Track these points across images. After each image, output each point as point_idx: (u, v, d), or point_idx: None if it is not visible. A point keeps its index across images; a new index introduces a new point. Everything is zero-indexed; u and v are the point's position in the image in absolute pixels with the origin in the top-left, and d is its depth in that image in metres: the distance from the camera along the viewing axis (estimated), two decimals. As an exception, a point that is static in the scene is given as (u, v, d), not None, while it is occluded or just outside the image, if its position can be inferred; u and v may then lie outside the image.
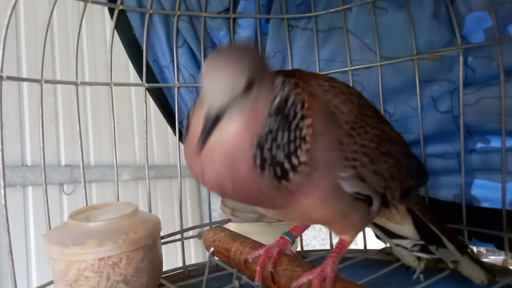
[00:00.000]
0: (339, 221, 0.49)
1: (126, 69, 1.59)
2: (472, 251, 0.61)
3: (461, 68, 0.70)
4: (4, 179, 0.56)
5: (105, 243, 0.54)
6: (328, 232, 0.78)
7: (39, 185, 1.34)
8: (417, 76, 0.75)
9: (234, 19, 0.85)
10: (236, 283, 0.58)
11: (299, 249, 0.85)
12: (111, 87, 0.74)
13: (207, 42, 0.85)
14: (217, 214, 1.10)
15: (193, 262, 0.77)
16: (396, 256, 0.68)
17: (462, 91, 0.70)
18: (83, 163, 0.71)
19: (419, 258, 0.64)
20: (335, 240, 0.59)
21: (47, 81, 0.64)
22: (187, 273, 0.74)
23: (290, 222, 0.79)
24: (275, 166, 0.39)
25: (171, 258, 0.89)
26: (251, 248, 0.53)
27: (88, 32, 1.73)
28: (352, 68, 0.81)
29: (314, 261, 0.77)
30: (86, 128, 1.71)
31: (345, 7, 0.80)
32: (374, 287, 0.62)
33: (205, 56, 0.83)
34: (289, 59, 0.86)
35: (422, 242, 0.63)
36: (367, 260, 0.75)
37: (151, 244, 0.59)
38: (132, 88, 1.84)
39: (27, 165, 1.49)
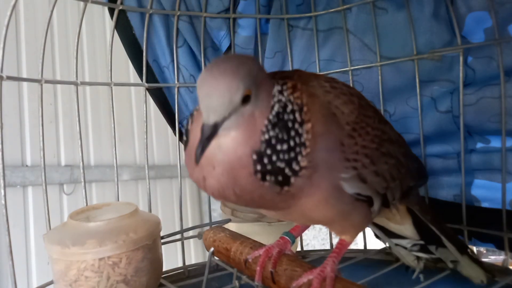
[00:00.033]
0: (339, 221, 0.49)
1: (126, 69, 1.60)
2: (472, 251, 0.61)
3: (461, 68, 0.70)
4: (4, 179, 0.56)
5: (105, 243, 0.54)
6: (328, 232, 0.78)
7: (39, 185, 1.34)
8: (417, 76, 0.75)
9: (234, 19, 0.85)
10: (236, 283, 0.58)
11: (299, 249, 0.85)
12: (111, 87, 0.74)
13: (207, 42, 0.85)
14: (217, 214, 1.11)
15: (193, 262, 0.77)
16: (396, 256, 0.68)
17: (462, 91, 0.70)
18: (83, 163, 0.71)
19: (418, 258, 0.64)
20: (335, 240, 0.59)
21: (47, 81, 0.64)
22: (187, 273, 0.74)
23: (290, 222, 0.79)
24: (276, 173, 0.39)
25: (171, 258, 0.90)
26: (251, 248, 0.53)
27: (88, 32, 1.73)
28: (352, 68, 0.81)
29: (314, 261, 0.77)
30: (86, 128, 1.71)
31: (345, 7, 0.80)
32: (374, 287, 0.62)
33: (205, 56, 0.83)
34: (289, 59, 0.86)
35: (422, 242, 0.63)
36: (367, 260, 0.75)
37: (151, 244, 0.59)
38: (132, 88, 1.84)
39: (27, 165, 1.49)
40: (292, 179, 0.40)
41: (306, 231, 0.62)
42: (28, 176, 1.46)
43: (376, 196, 0.48)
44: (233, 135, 0.39)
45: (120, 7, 0.75)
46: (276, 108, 0.40)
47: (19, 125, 1.48)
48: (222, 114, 0.37)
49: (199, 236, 0.73)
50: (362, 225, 0.55)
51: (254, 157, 0.39)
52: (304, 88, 0.43)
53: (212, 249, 0.58)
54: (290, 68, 0.86)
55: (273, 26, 0.86)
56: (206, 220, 1.18)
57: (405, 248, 0.65)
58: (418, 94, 0.75)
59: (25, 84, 1.47)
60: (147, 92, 0.80)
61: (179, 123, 0.83)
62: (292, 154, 0.39)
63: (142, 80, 0.79)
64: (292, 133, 0.40)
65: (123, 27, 0.79)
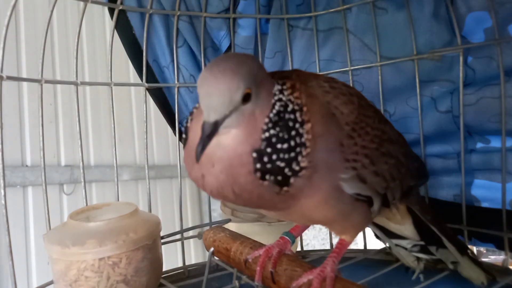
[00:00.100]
0: (339, 221, 0.49)
1: (126, 69, 1.60)
2: (472, 252, 0.61)
3: (461, 68, 0.70)
4: (4, 179, 0.56)
5: (105, 243, 0.54)
6: (328, 232, 0.78)
7: (39, 185, 1.34)
8: (417, 76, 0.75)
9: (234, 19, 0.85)
10: (236, 283, 0.58)
11: (299, 249, 0.85)
12: (111, 87, 0.74)
13: (207, 42, 0.85)
14: (217, 214, 1.11)
15: (193, 262, 0.77)
16: (396, 256, 0.68)
17: (462, 91, 0.70)
18: (83, 163, 0.70)
19: (418, 259, 0.64)
20: (335, 240, 0.59)
21: (47, 81, 0.64)
22: (187, 273, 0.74)
23: (290, 222, 0.79)
24: (276, 173, 0.39)
25: (171, 258, 0.90)
26: (251, 248, 0.53)
27: (88, 32, 1.73)
28: (352, 68, 0.81)
29: (314, 261, 0.77)
30: (86, 128, 1.71)
31: (345, 7, 0.80)
32: (374, 287, 0.62)
33: (205, 56, 0.83)
34: (289, 59, 0.86)
35: (422, 243, 0.63)
36: (367, 260, 0.75)
37: (151, 244, 0.59)
38: (132, 88, 1.84)
39: (27, 165, 1.49)
40: (292, 180, 0.40)
41: (306, 231, 0.62)
42: (28, 176, 1.46)
43: (376, 196, 0.48)
44: (233, 133, 0.39)
45: (120, 7, 0.75)
46: (277, 107, 0.40)
47: (19, 125, 1.47)
48: (222, 112, 0.37)
49: (199, 236, 0.73)
50: (362, 225, 0.55)
51: (254, 155, 0.39)
52: (303, 88, 0.43)
53: (212, 249, 0.58)
54: (290, 68, 0.86)
55: (273, 26, 0.86)
56: (206, 220, 1.18)
57: (405, 248, 0.65)
58: (418, 94, 0.75)
59: (25, 84, 1.47)
60: (147, 92, 0.80)
61: (179, 123, 0.83)
62: (292, 154, 0.39)
63: (142, 80, 0.79)
64: (293, 132, 0.40)
65: (123, 27, 0.79)
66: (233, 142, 0.39)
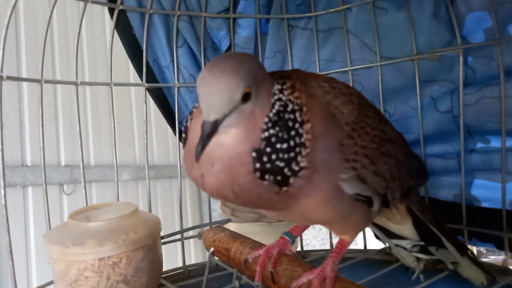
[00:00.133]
0: (339, 222, 0.49)
1: (126, 69, 1.60)
2: (472, 252, 0.61)
3: (461, 68, 0.70)
4: (4, 179, 0.56)
5: (105, 243, 0.54)
6: (328, 232, 0.78)
7: (39, 185, 1.34)
8: (417, 76, 0.75)
9: (234, 19, 0.85)
10: (236, 283, 0.58)
11: (299, 249, 0.85)
12: (111, 87, 0.74)
13: (207, 42, 0.85)
14: (217, 214, 1.11)
15: (193, 262, 0.77)
16: (396, 256, 0.68)
17: (462, 91, 0.70)
18: (83, 163, 0.70)
19: (418, 259, 0.64)
20: (335, 240, 0.59)
21: (47, 81, 0.64)
22: (187, 273, 0.74)
23: (290, 222, 0.79)
24: (276, 173, 0.39)
25: (171, 258, 0.90)
26: (251, 248, 0.53)
27: (88, 32, 1.73)
28: (352, 68, 0.81)
29: (314, 261, 0.77)
30: (86, 128, 1.71)
31: (345, 7, 0.80)
32: (374, 287, 0.62)
33: (205, 56, 0.83)
34: (289, 59, 0.86)
35: (422, 243, 0.63)
36: (367, 260, 0.75)
37: (151, 244, 0.59)
38: (132, 88, 1.84)
39: (27, 165, 1.49)
40: (291, 180, 0.40)
41: (306, 231, 0.62)
42: (28, 176, 1.46)
43: (376, 196, 0.48)
44: (233, 132, 0.39)
45: (120, 7, 0.75)
46: (276, 106, 0.40)
47: (19, 125, 1.47)
48: (222, 112, 0.37)
49: (199, 236, 0.73)
50: (362, 225, 0.55)
51: (254, 154, 0.39)
52: (303, 88, 0.43)
53: (212, 249, 0.58)
54: (290, 68, 0.86)
55: (273, 26, 0.86)
56: (206, 220, 1.18)
57: (405, 249, 0.65)
58: (418, 94, 0.75)
59: (25, 84, 1.47)
60: (147, 92, 0.80)
61: (179, 123, 0.83)
62: (292, 154, 0.39)
63: (142, 80, 0.79)
64: (292, 132, 0.39)
65: (123, 27, 0.79)
66: (232, 141, 0.39)
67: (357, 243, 1.18)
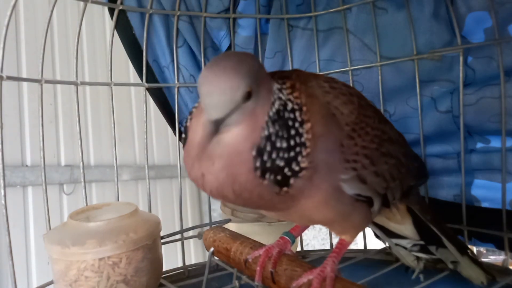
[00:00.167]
0: (339, 222, 0.49)
1: (126, 69, 1.60)
2: (472, 251, 0.61)
3: (461, 68, 0.70)
4: (4, 179, 0.56)
5: (105, 243, 0.54)
6: (328, 232, 0.78)
7: (39, 185, 1.34)
8: (417, 76, 0.75)
9: (234, 19, 0.85)
10: (236, 283, 0.58)
11: (299, 249, 0.85)
12: (111, 87, 0.74)
13: (207, 42, 0.85)
14: (217, 214, 1.11)
15: (193, 262, 0.77)
16: (396, 256, 0.68)
17: (462, 91, 0.70)
18: (83, 163, 0.70)
19: (418, 258, 0.64)
20: (335, 240, 0.59)
21: (47, 81, 0.64)
22: (187, 273, 0.74)
23: (290, 222, 0.79)
24: (276, 172, 0.39)
25: (171, 258, 0.90)
26: (251, 248, 0.53)
27: (88, 32, 1.73)
28: (352, 68, 0.81)
29: (314, 261, 0.77)
30: (86, 128, 1.71)
31: (345, 7, 0.80)
32: (374, 287, 0.62)
33: (205, 56, 0.83)
34: (289, 59, 0.86)
35: (422, 242, 0.63)
36: (367, 260, 0.75)
37: (151, 244, 0.59)
38: (132, 88, 1.84)
39: (27, 165, 1.49)
40: (292, 180, 0.40)
41: (306, 231, 0.62)
42: (28, 176, 1.46)
43: (376, 197, 0.48)
44: (234, 131, 0.39)
45: (120, 7, 0.75)
46: (276, 105, 0.40)
47: (19, 125, 1.47)
48: (224, 111, 0.37)
49: (199, 236, 0.73)
50: (362, 225, 0.55)
51: (254, 152, 0.39)
52: (303, 88, 0.43)
53: (212, 249, 0.58)
54: (290, 68, 0.86)
55: (273, 26, 0.86)
56: (206, 220, 1.18)
57: (405, 248, 0.65)
58: (418, 94, 0.75)
59: (25, 84, 1.47)
60: (147, 92, 0.80)
61: (179, 123, 0.83)
62: (292, 154, 0.39)
63: (142, 80, 0.79)
64: (292, 131, 0.39)
65: (123, 27, 0.79)
66: (233, 139, 0.39)
67: (357, 243, 1.18)
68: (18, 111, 1.47)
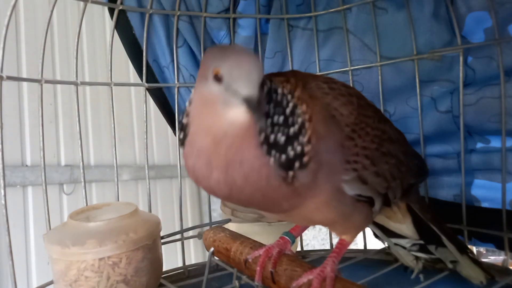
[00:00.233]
0: (340, 223, 0.49)
1: (126, 69, 1.60)
2: (471, 251, 0.61)
3: (461, 68, 0.70)
4: (4, 179, 0.56)
5: (105, 243, 0.54)
6: (328, 232, 0.78)
7: (39, 185, 1.33)
8: (417, 76, 0.75)
9: (234, 19, 0.85)
10: (236, 283, 0.58)
11: (299, 249, 0.85)
12: (111, 87, 0.74)
13: (207, 42, 0.85)
14: (217, 214, 1.10)
15: (193, 262, 0.77)
16: (395, 256, 0.68)
17: (462, 91, 0.70)
18: (83, 163, 0.70)
19: (417, 258, 0.64)
20: (335, 240, 0.59)
21: (47, 81, 0.64)
22: (187, 273, 0.74)
23: (290, 222, 0.79)
24: (280, 149, 0.39)
25: (171, 258, 0.90)
26: (251, 248, 0.53)
27: (88, 32, 1.73)
28: (352, 68, 0.81)
29: (314, 261, 0.77)
30: (86, 128, 1.71)
31: (345, 7, 0.80)
32: (374, 287, 0.62)
33: (205, 56, 0.83)
34: (289, 59, 0.86)
35: (421, 242, 0.63)
36: (367, 260, 0.75)
37: (151, 244, 0.59)
38: (132, 88, 1.84)
39: (27, 165, 1.49)
40: (296, 164, 0.40)
41: (306, 231, 0.62)
42: (28, 176, 1.46)
43: (377, 197, 0.48)
44: (241, 109, 0.39)
45: (120, 7, 0.75)
46: (269, 91, 0.42)
47: (19, 125, 1.47)
48: (255, 88, 0.38)
49: (199, 236, 0.73)
50: (363, 225, 0.55)
51: (261, 137, 0.39)
52: (304, 91, 0.43)
53: (212, 249, 0.58)
54: (290, 68, 0.86)
55: (273, 26, 0.86)
56: (206, 220, 1.18)
57: (404, 248, 0.65)
58: (418, 94, 0.75)
59: (25, 84, 1.47)
60: (147, 92, 0.80)
61: (179, 123, 0.82)
62: (291, 131, 0.40)
63: (142, 80, 0.79)
64: (288, 111, 0.41)
65: (123, 27, 0.79)
66: (241, 117, 0.39)
67: (357, 243, 1.18)
68: (18, 111, 1.47)
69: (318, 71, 0.84)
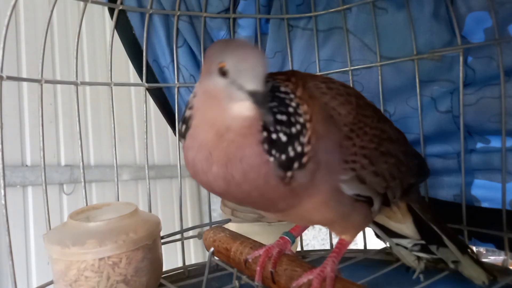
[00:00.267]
0: (339, 222, 0.49)
1: (126, 69, 1.60)
2: (473, 251, 0.61)
3: (461, 68, 0.70)
4: (4, 179, 0.56)
5: (105, 243, 0.54)
6: (328, 232, 0.78)
7: (39, 185, 1.33)
8: (417, 76, 0.75)
9: (234, 19, 0.85)
10: (236, 283, 0.58)
11: (299, 249, 0.85)
12: (111, 87, 0.74)
13: (207, 42, 0.85)
14: (217, 214, 1.10)
15: (193, 262, 0.77)
16: (396, 256, 0.68)
17: (462, 91, 0.70)
18: (83, 163, 0.70)
19: (419, 258, 0.64)
20: (335, 240, 0.59)
21: (47, 81, 0.64)
22: (187, 273, 0.74)
23: (290, 222, 0.79)
24: (280, 149, 0.39)
25: (171, 258, 0.90)
26: (251, 248, 0.53)
27: (88, 32, 1.73)
28: (352, 68, 0.81)
29: (314, 261, 0.77)
30: (86, 128, 1.71)
31: (345, 7, 0.80)
32: (374, 287, 0.62)
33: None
34: (289, 59, 0.86)
35: (423, 242, 0.63)
36: (367, 260, 0.75)
37: (151, 244, 0.59)
38: (132, 88, 1.84)
39: (27, 165, 1.49)
40: (295, 164, 0.40)
41: (306, 231, 0.62)
42: (28, 176, 1.46)
43: (376, 196, 0.48)
44: (246, 104, 0.39)
45: (120, 7, 0.75)
46: (276, 95, 0.42)
47: (19, 125, 1.47)
48: (262, 83, 0.38)
49: (199, 236, 0.73)
50: (363, 225, 0.55)
51: (261, 123, 0.39)
52: (304, 90, 0.43)
53: (212, 249, 0.58)
54: (290, 68, 0.86)
55: (273, 26, 0.86)
56: (206, 220, 1.18)
57: (406, 248, 0.65)
58: (418, 94, 0.75)
59: (25, 84, 1.47)
60: (147, 92, 0.80)
61: (179, 123, 0.83)
62: (293, 130, 0.40)
63: (142, 80, 0.79)
64: (290, 109, 0.41)
65: (123, 27, 0.79)
66: (244, 111, 0.39)
67: (357, 243, 1.18)
68: (18, 111, 1.47)
69: (318, 71, 0.84)
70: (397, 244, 0.65)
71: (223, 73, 0.38)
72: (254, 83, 0.37)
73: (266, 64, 0.38)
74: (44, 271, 1.46)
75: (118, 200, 0.74)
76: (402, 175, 0.51)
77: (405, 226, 0.62)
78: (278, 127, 0.40)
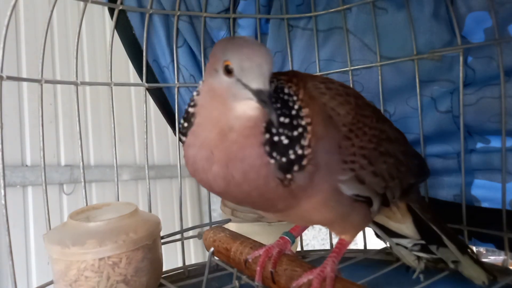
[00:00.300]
0: (339, 222, 0.49)
1: (126, 69, 1.60)
2: (472, 251, 0.61)
3: (461, 68, 0.70)
4: (4, 179, 0.56)
5: (105, 243, 0.54)
6: (328, 232, 0.78)
7: (39, 185, 1.33)
8: (417, 76, 0.75)
9: (234, 19, 0.85)
10: (236, 283, 0.58)
11: (299, 249, 0.85)
12: (111, 87, 0.74)
13: (207, 42, 0.85)
14: (217, 214, 1.11)
15: (193, 262, 0.77)
16: (396, 256, 0.68)
17: (462, 91, 0.70)
18: (83, 163, 0.70)
19: (419, 258, 0.64)
20: (335, 240, 0.59)
21: (47, 81, 0.64)
22: (187, 273, 0.74)
23: (290, 222, 0.79)
24: (282, 152, 0.39)
25: (171, 258, 0.90)
26: (251, 248, 0.53)
27: (88, 32, 1.73)
28: (352, 68, 0.81)
29: (314, 261, 0.77)
30: (86, 128, 1.71)
31: (345, 7, 0.80)
32: (374, 287, 0.62)
33: (205, 56, 0.83)
34: (289, 59, 0.86)
35: (423, 242, 0.63)
36: (367, 260, 0.75)
37: (151, 244, 0.59)
38: (132, 88, 1.84)
39: (27, 165, 1.49)
40: (295, 167, 0.40)
41: (306, 231, 0.62)
42: (28, 176, 1.46)
43: (375, 196, 0.48)
44: (251, 104, 0.39)
45: (120, 7, 0.75)
46: (280, 94, 0.42)
47: (19, 125, 1.47)
48: (268, 82, 0.38)
49: (199, 236, 0.73)
50: (362, 225, 0.55)
51: (264, 124, 0.39)
52: (305, 92, 0.44)
53: (212, 249, 0.58)
54: (290, 68, 0.86)
55: (273, 26, 0.86)
56: (206, 220, 1.18)
57: (406, 248, 0.65)
58: (418, 94, 0.75)
59: (25, 84, 1.47)
60: (147, 92, 0.80)
61: (179, 123, 0.82)
62: (295, 133, 0.40)
63: (142, 80, 0.79)
64: (293, 112, 0.41)
65: (123, 27, 0.79)
66: (249, 112, 0.39)
67: (357, 243, 1.18)
68: (18, 111, 1.47)
69: (318, 71, 0.84)
70: (397, 244, 0.65)
71: (228, 71, 0.38)
72: (259, 82, 0.37)
73: (271, 62, 0.38)
74: (44, 271, 1.46)
75: (118, 200, 0.74)
76: (401, 175, 0.51)
77: (405, 226, 0.62)
78: (281, 130, 0.40)
